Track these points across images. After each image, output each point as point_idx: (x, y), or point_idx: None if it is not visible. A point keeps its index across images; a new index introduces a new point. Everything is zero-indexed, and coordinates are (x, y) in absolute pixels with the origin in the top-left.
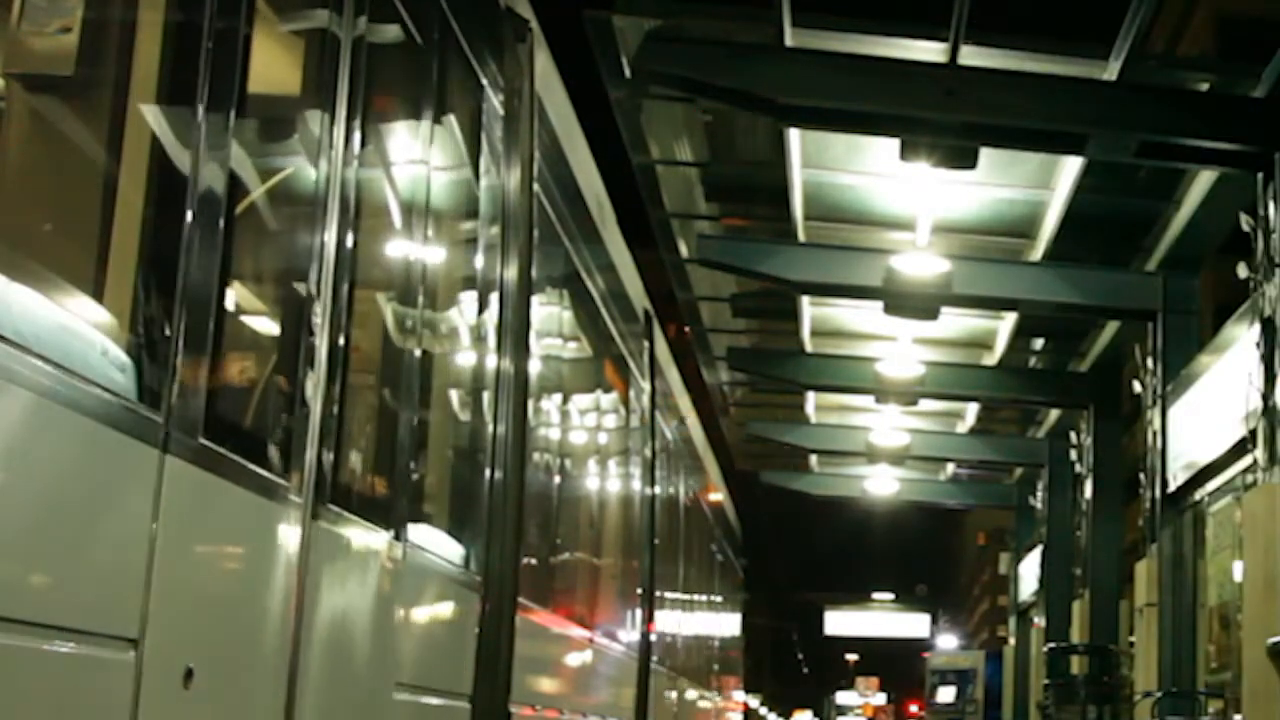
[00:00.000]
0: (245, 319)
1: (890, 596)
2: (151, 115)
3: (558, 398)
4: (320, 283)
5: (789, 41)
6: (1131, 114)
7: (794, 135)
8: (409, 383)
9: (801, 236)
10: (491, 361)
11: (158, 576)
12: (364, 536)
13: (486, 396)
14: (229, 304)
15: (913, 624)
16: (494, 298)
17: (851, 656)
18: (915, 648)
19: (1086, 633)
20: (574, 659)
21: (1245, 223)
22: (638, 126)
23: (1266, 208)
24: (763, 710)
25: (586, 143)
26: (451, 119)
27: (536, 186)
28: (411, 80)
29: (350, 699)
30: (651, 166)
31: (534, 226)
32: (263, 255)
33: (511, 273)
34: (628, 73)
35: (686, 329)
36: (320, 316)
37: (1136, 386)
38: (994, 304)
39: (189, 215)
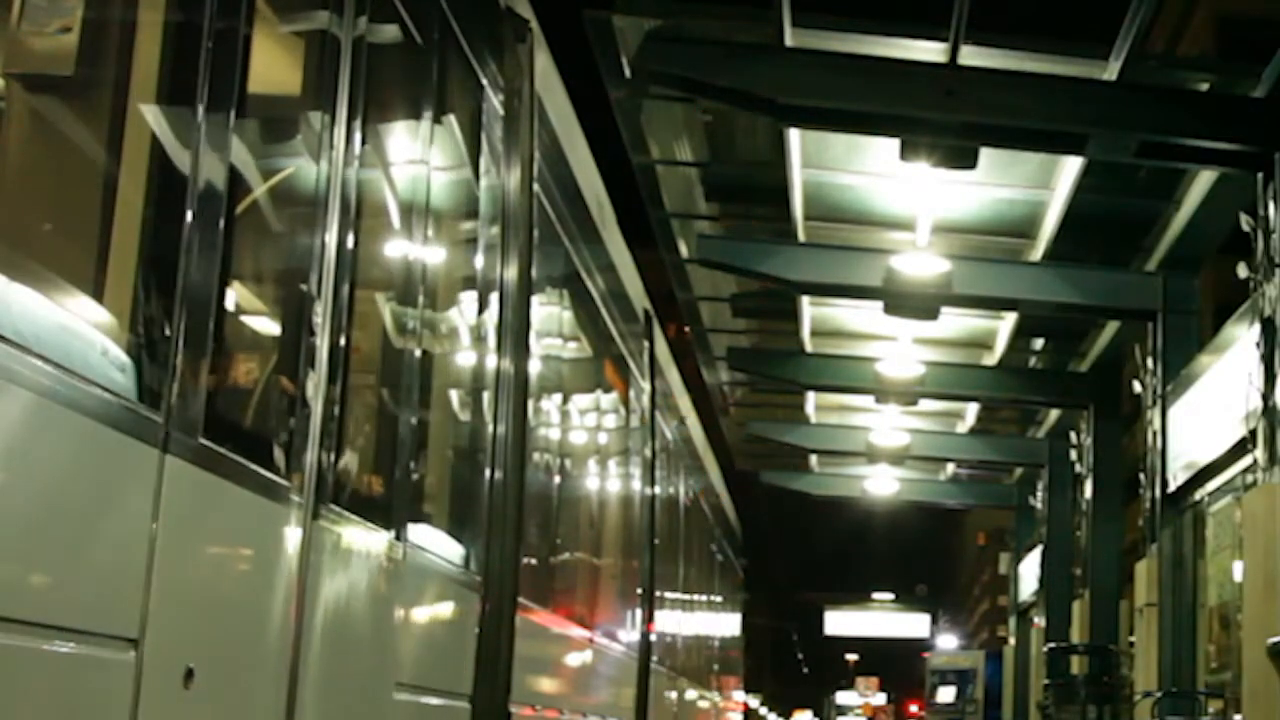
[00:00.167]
0: (245, 319)
1: (890, 596)
2: (151, 115)
3: (558, 398)
4: (320, 283)
5: (789, 41)
6: (1131, 114)
7: (794, 135)
8: (409, 383)
9: (801, 236)
10: (491, 361)
11: (158, 576)
12: (364, 536)
13: (486, 396)
14: (229, 304)
15: (913, 624)
16: (494, 298)
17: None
18: (915, 648)
19: (1086, 633)
20: (574, 659)
21: (1245, 223)
22: (638, 126)
23: (1266, 208)
24: (763, 710)
25: (586, 143)
26: (451, 119)
27: (536, 186)
28: (411, 80)
29: (350, 699)
30: (651, 166)
31: (534, 226)
32: (263, 255)
33: (511, 273)
34: (628, 73)
35: (686, 329)
36: (320, 316)
37: (1136, 386)
38: (994, 304)
39: (189, 215)
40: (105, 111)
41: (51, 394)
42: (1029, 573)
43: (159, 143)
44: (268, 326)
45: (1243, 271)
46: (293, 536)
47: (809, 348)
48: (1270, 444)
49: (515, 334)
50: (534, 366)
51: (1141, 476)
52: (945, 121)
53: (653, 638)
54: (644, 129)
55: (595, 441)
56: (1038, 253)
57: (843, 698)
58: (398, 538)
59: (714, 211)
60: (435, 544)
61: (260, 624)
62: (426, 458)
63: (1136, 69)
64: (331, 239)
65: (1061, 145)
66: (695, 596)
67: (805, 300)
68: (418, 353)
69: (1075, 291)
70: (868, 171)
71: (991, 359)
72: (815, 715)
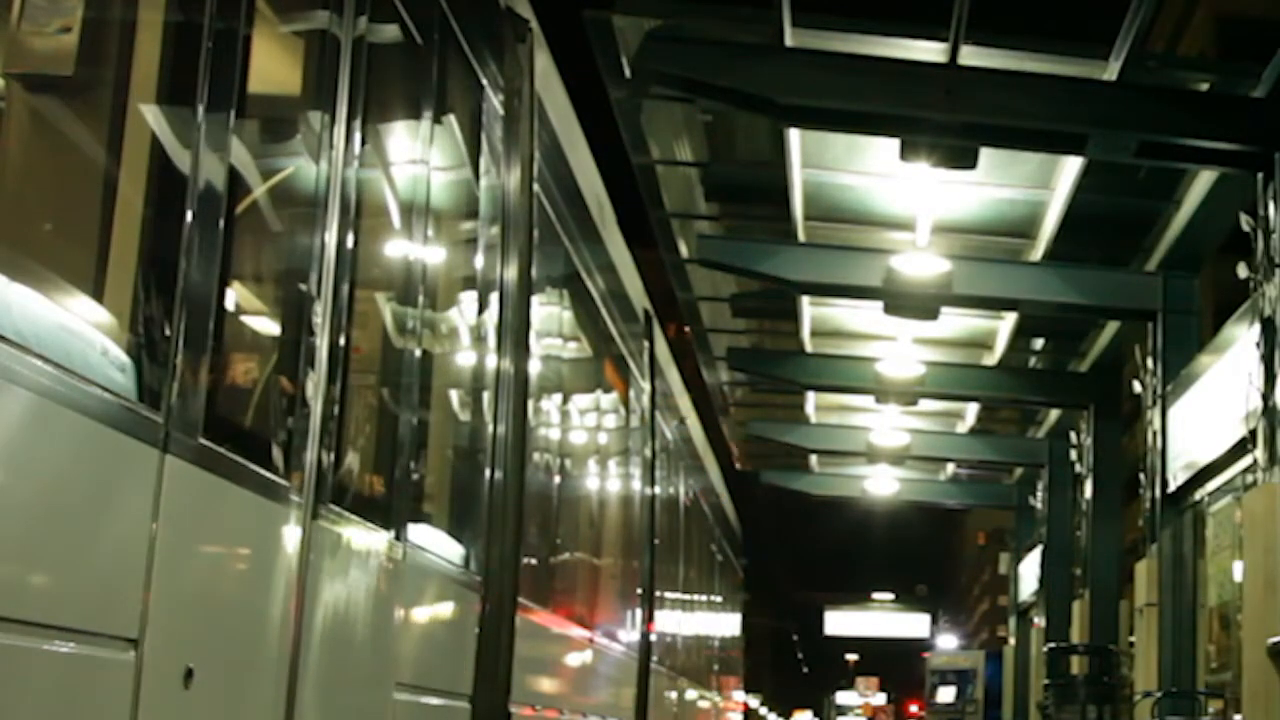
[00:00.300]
0: (245, 319)
1: (890, 596)
2: (151, 115)
3: (558, 398)
4: (320, 283)
5: (789, 41)
6: (1131, 114)
7: (794, 135)
8: (409, 383)
9: (801, 236)
10: (491, 361)
11: (158, 576)
12: (364, 536)
13: (486, 396)
14: (229, 304)
15: (913, 624)
16: (494, 298)
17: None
18: (915, 648)
19: (1086, 633)
20: (574, 659)
21: (1245, 223)
22: (638, 126)
23: (1266, 208)
24: (763, 710)
25: (586, 143)
26: (451, 119)
27: (536, 186)
28: (411, 80)
29: (350, 699)
30: (651, 166)
31: (534, 226)
32: (263, 255)
33: (511, 273)
34: (628, 73)
35: (686, 329)
36: (320, 316)
37: (1136, 386)
38: (994, 304)
39: (189, 215)
40: (105, 111)
41: (51, 394)
42: (1029, 573)
43: (159, 143)
44: (268, 326)
45: (1243, 271)
46: (292, 536)
47: (809, 348)
48: (1270, 444)
49: (515, 334)
50: (534, 366)
51: (1141, 476)
52: (945, 121)
53: (653, 638)
54: (644, 129)
55: (595, 441)
56: (1038, 253)
57: (843, 698)
58: (398, 538)
59: (714, 211)
60: (435, 544)
61: (260, 624)
62: (426, 458)
63: (1136, 69)
64: (331, 239)
65: (1061, 145)
66: (695, 596)
67: (805, 300)
68: (418, 353)
69: (1075, 291)
70: (868, 171)
71: (991, 359)
72: (815, 715)
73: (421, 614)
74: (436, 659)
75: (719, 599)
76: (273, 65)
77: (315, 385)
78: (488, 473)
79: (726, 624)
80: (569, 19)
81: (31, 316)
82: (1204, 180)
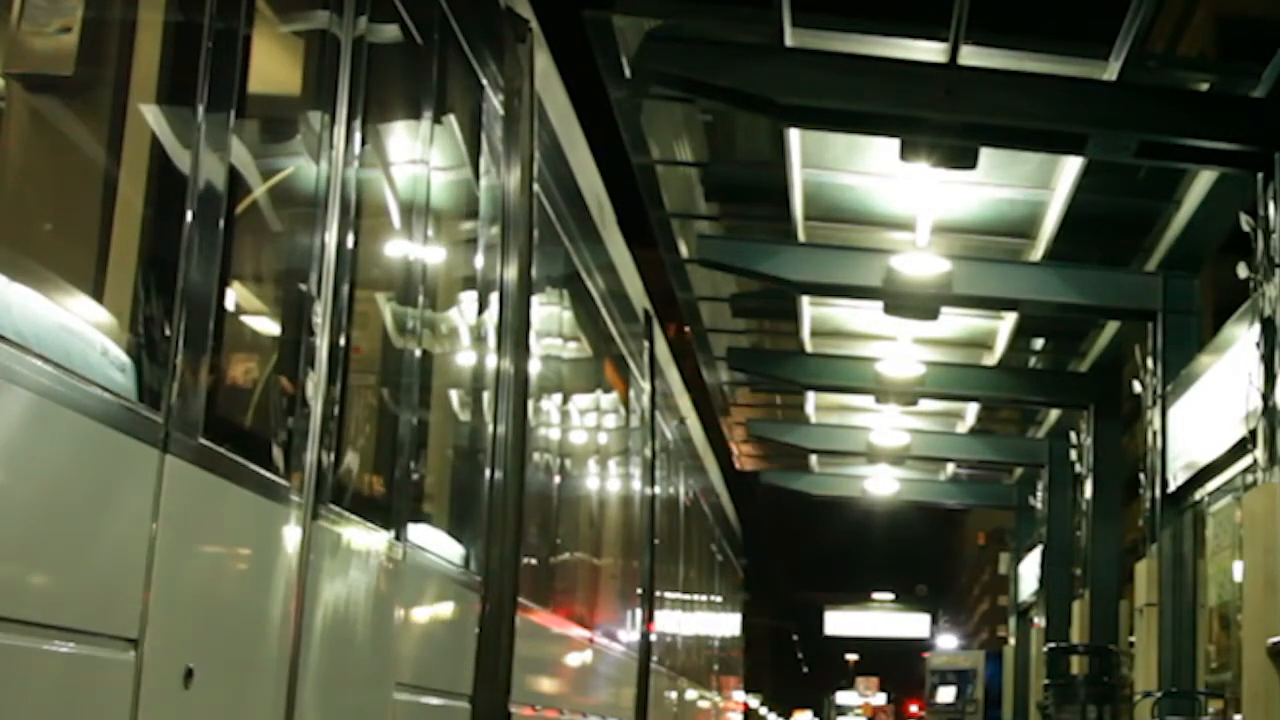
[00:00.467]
0: (245, 319)
1: (890, 596)
2: (151, 115)
3: (558, 398)
4: (320, 283)
5: (789, 41)
6: (1131, 114)
7: (794, 135)
8: (409, 383)
9: (801, 236)
10: (491, 361)
11: (158, 576)
12: (364, 536)
13: (486, 396)
14: (229, 304)
15: (913, 624)
16: (494, 298)
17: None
18: (915, 648)
19: (1086, 633)
20: (574, 659)
21: (1245, 223)
22: (638, 126)
23: (1266, 208)
24: (763, 710)
25: (586, 143)
26: (451, 119)
27: (536, 186)
28: (411, 80)
29: (350, 699)
30: (651, 166)
31: (534, 226)
32: (263, 255)
33: (511, 273)
34: (628, 73)
35: (686, 329)
36: (320, 316)
37: (1136, 386)
38: (994, 304)
39: (189, 215)
40: (105, 111)
41: (51, 394)
42: (1029, 573)
43: (159, 143)
44: (268, 326)
45: (1243, 271)
46: (292, 536)
47: (809, 348)
48: (1270, 444)
49: (515, 334)
50: (534, 366)
51: (1141, 476)
52: (945, 121)
53: (653, 638)
54: (644, 129)
55: (595, 441)
56: (1038, 253)
57: (843, 698)
58: (398, 538)
59: (714, 211)
60: (435, 544)
61: (260, 624)
62: (426, 458)
63: (1136, 69)
64: (331, 239)
65: (1061, 145)
66: (695, 596)
67: (805, 300)
68: (418, 353)
69: (1075, 291)
70: (868, 171)
71: (991, 359)
72: (815, 715)
73: (421, 614)
74: (436, 659)
75: (719, 599)
76: (273, 65)
77: (315, 385)
78: (488, 473)
79: (726, 624)
80: (569, 19)
81: (31, 316)
82: (1204, 180)
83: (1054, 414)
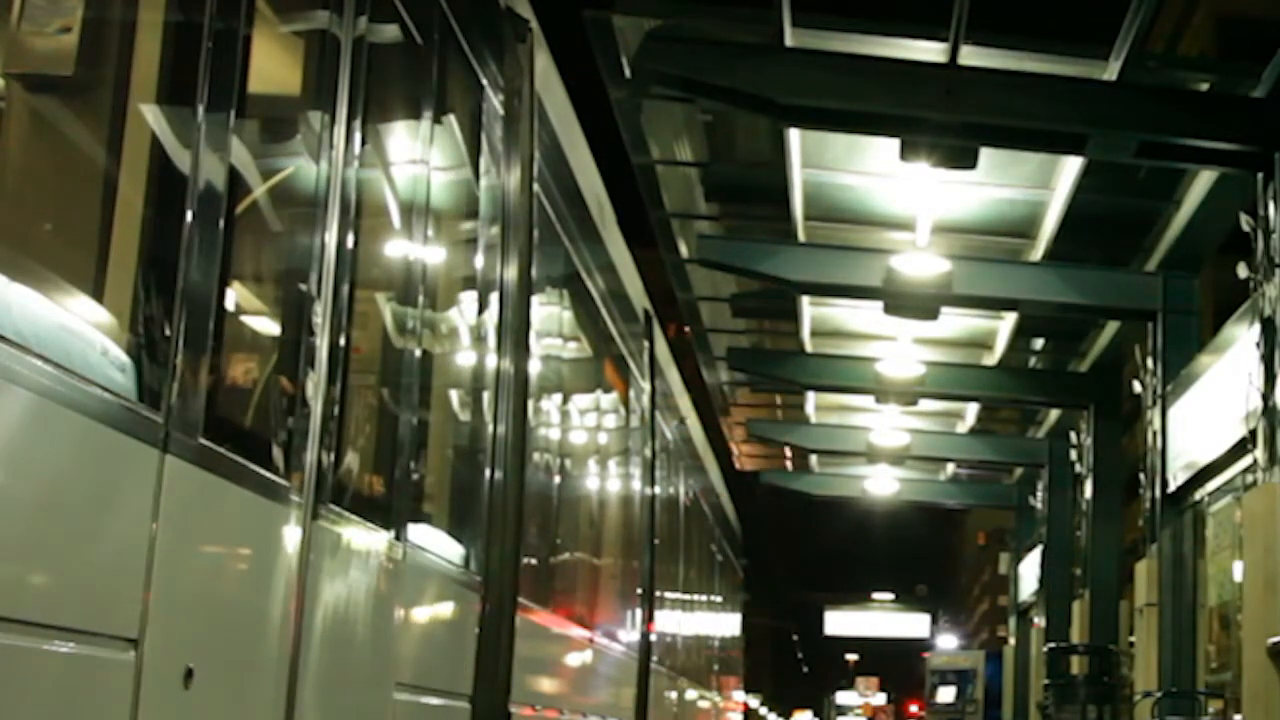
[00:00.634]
0: (245, 319)
1: (890, 596)
2: (151, 115)
3: (558, 398)
4: (320, 283)
5: (789, 41)
6: (1131, 114)
7: (794, 135)
8: (409, 383)
9: (801, 236)
10: (491, 361)
11: (158, 576)
12: (364, 536)
13: (486, 396)
14: (229, 304)
15: (913, 624)
16: (494, 298)
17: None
18: (915, 648)
19: (1086, 633)
20: (574, 659)
21: (1245, 223)
22: (638, 126)
23: (1266, 208)
24: (763, 710)
25: (586, 143)
26: (451, 119)
27: (536, 186)
28: (411, 80)
29: (350, 699)
30: (651, 166)
31: (534, 226)
32: (263, 255)
33: (511, 273)
34: (628, 73)
35: (686, 329)
36: (320, 316)
37: (1136, 386)
38: (994, 304)
39: (189, 215)
40: (105, 111)
41: (51, 394)
42: (1029, 573)
43: (159, 143)
44: (268, 326)
45: (1243, 271)
46: (292, 536)
47: (809, 348)
48: (1270, 444)
49: (515, 334)
50: (534, 366)
51: (1141, 476)
52: (945, 121)
53: (653, 638)
54: (644, 129)
55: (595, 442)
56: (1038, 253)
57: (843, 698)
58: (398, 538)
59: (714, 211)
60: (435, 544)
61: (260, 624)
62: (426, 458)
63: (1136, 69)
64: (331, 239)
65: (1061, 145)
66: (695, 596)
67: (805, 300)
68: (418, 353)
69: (1075, 291)
70: (868, 171)
71: (991, 359)
72: (815, 715)
73: (421, 614)
74: (436, 659)
75: (719, 599)
76: (273, 65)
77: (315, 385)
78: (488, 473)
79: (726, 624)
80: (569, 19)
81: (31, 316)
82: (1204, 180)
83: (1054, 414)
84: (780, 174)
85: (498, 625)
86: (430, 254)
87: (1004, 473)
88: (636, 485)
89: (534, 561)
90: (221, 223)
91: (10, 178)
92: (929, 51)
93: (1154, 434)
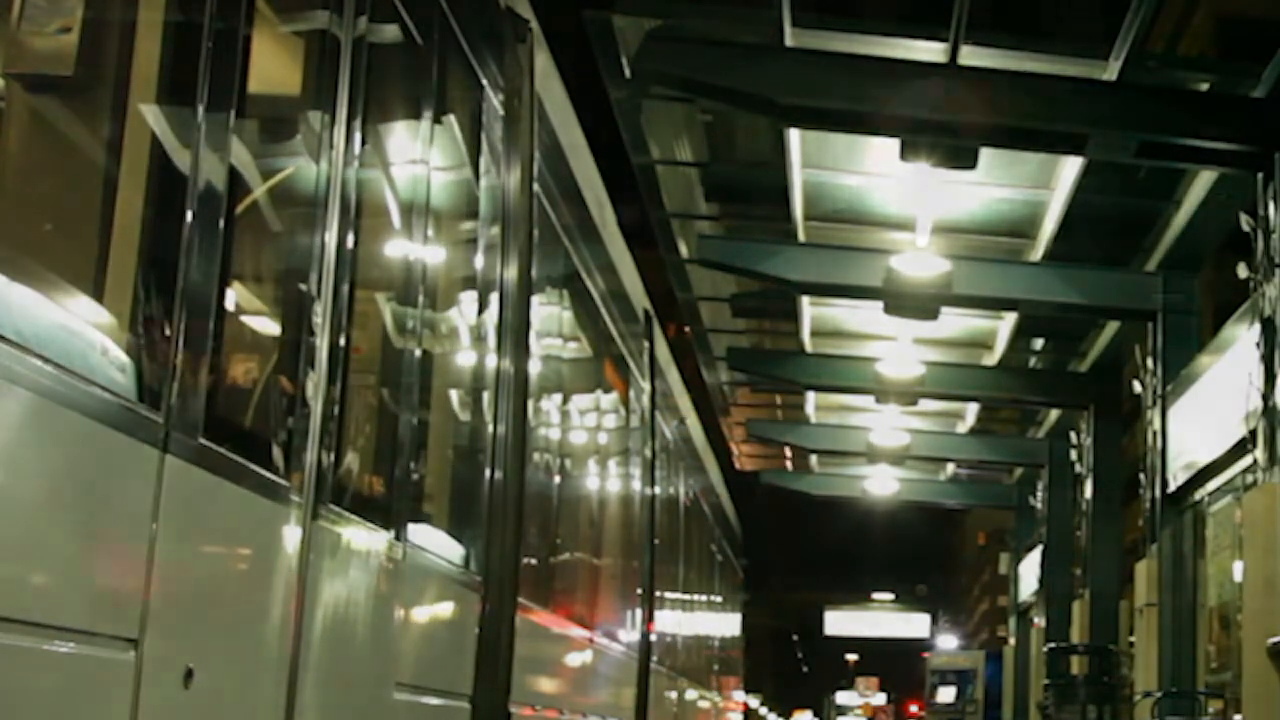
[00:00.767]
0: (245, 319)
1: (890, 596)
2: (151, 115)
3: (558, 398)
4: (320, 283)
5: (789, 41)
6: (1131, 114)
7: (794, 135)
8: (409, 383)
9: (801, 236)
10: (491, 361)
11: (158, 576)
12: (364, 536)
13: (486, 396)
14: (229, 304)
15: (913, 624)
16: (494, 298)
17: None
18: (915, 648)
19: (1086, 633)
20: (574, 659)
21: (1245, 223)
22: (638, 126)
23: (1266, 208)
24: (763, 710)
25: (586, 143)
26: (451, 119)
27: (536, 186)
28: (411, 80)
29: (350, 699)
30: (651, 166)
31: (534, 226)
32: (263, 255)
33: (511, 273)
34: (628, 73)
35: (686, 329)
36: (320, 316)
37: (1136, 386)
38: (994, 304)
39: (189, 215)
40: (105, 111)
41: (51, 394)
42: (1029, 573)
43: (159, 143)
44: (268, 326)
45: (1243, 271)
46: (292, 536)
47: (809, 348)
48: (1270, 444)
49: (515, 334)
50: (534, 366)
51: (1141, 476)
52: (945, 121)
53: (653, 638)
54: (644, 129)
55: (595, 442)
56: (1038, 253)
57: (843, 698)
58: (398, 538)
59: (714, 211)
60: (435, 544)
61: (260, 624)
62: (426, 458)
63: (1136, 69)
64: (331, 239)
65: (1061, 145)
66: (695, 596)
67: (805, 300)
68: (418, 353)
69: (1075, 291)
70: (868, 171)
71: (991, 359)
72: (815, 715)
73: (421, 614)
74: (436, 659)
75: (719, 599)
76: (273, 65)
77: (315, 385)
78: (488, 473)
79: (726, 624)
80: (569, 19)
81: (31, 316)
82: (1204, 180)
83: (1054, 414)
84: (780, 174)
85: (498, 625)
86: (430, 254)
87: (1004, 473)
88: (636, 485)
89: (534, 561)
90: (221, 223)
91: (10, 178)
92: (929, 51)
93: (1154, 434)
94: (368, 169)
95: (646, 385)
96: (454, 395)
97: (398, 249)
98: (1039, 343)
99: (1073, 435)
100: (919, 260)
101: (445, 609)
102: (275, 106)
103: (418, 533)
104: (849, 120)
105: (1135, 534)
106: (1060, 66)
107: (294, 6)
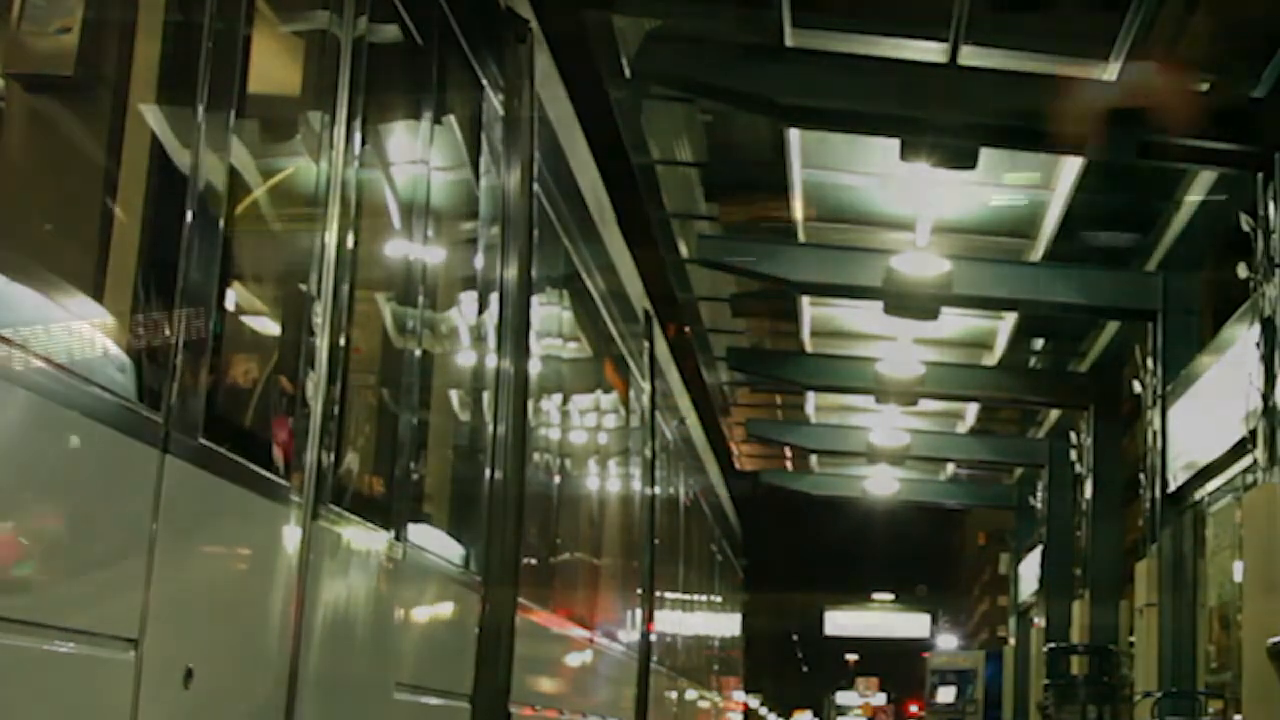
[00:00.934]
0: (245, 319)
1: (890, 596)
2: (151, 115)
3: (558, 398)
4: (320, 283)
5: (789, 41)
6: (1131, 114)
7: (794, 135)
8: (409, 383)
9: (801, 236)
10: (491, 361)
11: (158, 576)
12: (364, 536)
13: (486, 396)
14: (229, 304)
15: (913, 624)
16: (494, 298)
17: (851, 656)
18: (915, 648)
19: (1086, 633)
20: (574, 659)
21: (1245, 223)
22: (638, 126)
23: (1266, 208)
24: (763, 710)
25: (586, 143)
26: (451, 119)
27: (536, 186)
28: (412, 80)
29: (350, 699)
30: (651, 166)
31: (534, 226)
32: (263, 255)
33: (511, 273)
34: (628, 73)
35: (686, 329)
36: (320, 317)
37: (1136, 386)
38: (994, 304)
39: (189, 215)
40: (105, 111)
41: (51, 394)
42: (1029, 573)
43: (159, 143)
44: (267, 326)
45: (1243, 271)
46: (292, 536)
47: (809, 348)
48: (1270, 444)
49: (515, 334)
50: (534, 366)
51: (1141, 476)
52: (945, 121)
53: (653, 638)
54: (644, 129)
55: (595, 442)
56: (1038, 253)
57: (843, 698)
58: (398, 538)
59: (714, 211)
60: (435, 544)
61: (260, 624)
62: (426, 458)
63: (1136, 69)
64: (331, 239)
65: (1061, 145)
66: (695, 596)
67: (805, 300)
68: (418, 353)
69: (1075, 291)
70: (868, 171)
71: (991, 359)
72: (815, 715)
73: (421, 614)
74: (436, 659)
75: (719, 599)
76: (273, 65)
77: (315, 385)
78: (488, 473)
79: (726, 624)
80: (569, 19)
81: (31, 316)
82: (1204, 180)
83: (1054, 414)
84: (780, 174)
85: (498, 625)
86: (430, 254)
87: (1004, 473)
88: (636, 485)
89: (534, 561)
90: (221, 223)
91: (10, 178)
92: (929, 51)
93: (1154, 434)
94: (368, 169)
95: (646, 385)
96: (454, 395)
97: (398, 249)
98: (1039, 343)
99: (1073, 435)
100: (919, 260)
101: (445, 609)
102: (275, 107)
103: (418, 533)
104: (849, 120)
105: (1135, 534)
106: (1060, 66)
107: (294, 6)
